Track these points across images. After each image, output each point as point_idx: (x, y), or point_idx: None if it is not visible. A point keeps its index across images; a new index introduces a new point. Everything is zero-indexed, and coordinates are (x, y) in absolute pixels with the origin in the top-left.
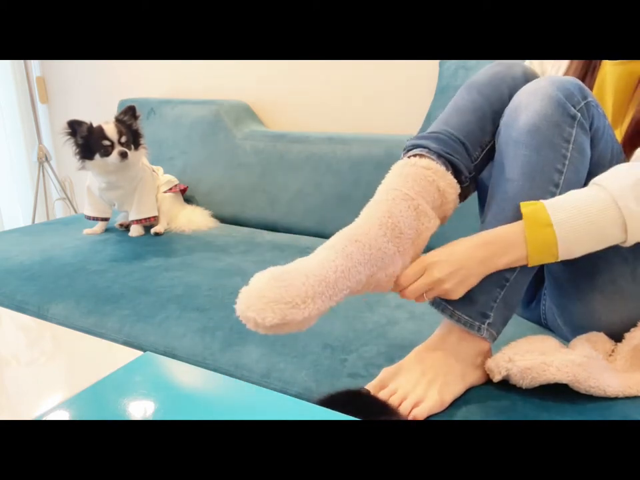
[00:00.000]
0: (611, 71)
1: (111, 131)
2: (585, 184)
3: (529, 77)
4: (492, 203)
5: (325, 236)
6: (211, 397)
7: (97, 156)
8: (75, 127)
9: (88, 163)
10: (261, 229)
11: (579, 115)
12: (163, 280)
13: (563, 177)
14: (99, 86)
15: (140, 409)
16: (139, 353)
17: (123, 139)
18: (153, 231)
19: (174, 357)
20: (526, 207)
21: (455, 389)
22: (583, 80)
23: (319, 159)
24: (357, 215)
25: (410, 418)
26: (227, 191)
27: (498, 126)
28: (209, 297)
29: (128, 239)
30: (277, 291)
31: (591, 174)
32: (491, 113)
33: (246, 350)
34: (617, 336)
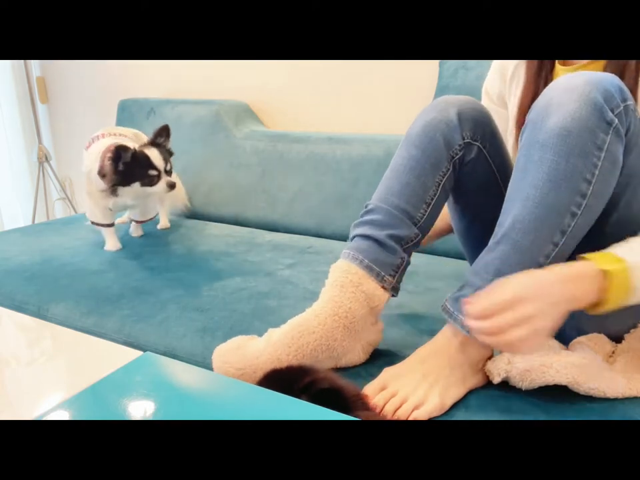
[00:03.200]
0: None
1: (157, 158)
2: (615, 193)
3: (464, 116)
4: (512, 207)
5: (325, 236)
6: (211, 397)
7: (137, 185)
8: (120, 153)
9: (121, 189)
10: (261, 229)
11: (616, 120)
12: (163, 280)
13: (591, 188)
14: (99, 86)
15: (140, 409)
16: (139, 353)
17: (168, 167)
18: (160, 226)
19: (174, 357)
20: (609, 264)
21: (456, 393)
22: (536, 82)
23: (319, 159)
24: (356, 215)
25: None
26: (226, 191)
27: (441, 175)
28: (209, 297)
29: (128, 239)
30: (235, 357)
31: (621, 184)
32: (430, 166)
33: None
34: (622, 340)
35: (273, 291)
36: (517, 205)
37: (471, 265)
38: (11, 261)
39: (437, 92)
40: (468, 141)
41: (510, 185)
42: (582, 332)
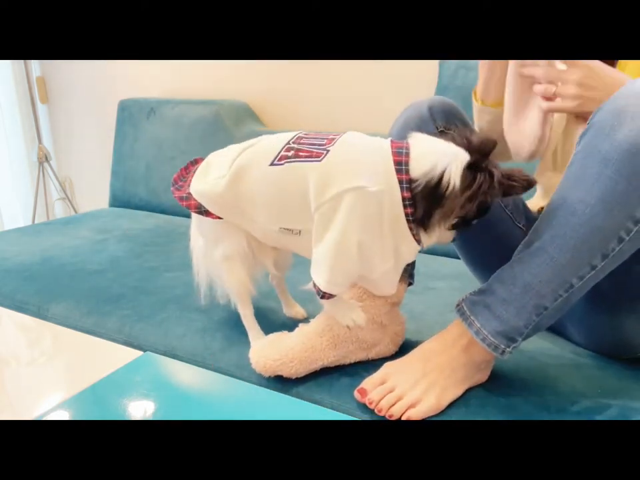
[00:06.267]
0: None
1: None
2: None
3: (435, 110)
4: (554, 218)
5: None
6: (211, 396)
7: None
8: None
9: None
10: None
11: None
12: (163, 280)
13: None
14: (99, 86)
15: (140, 409)
16: (139, 353)
17: None
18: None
19: (174, 357)
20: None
21: (454, 393)
22: None
23: None
24: None
25: (404, 418)
26: None
27: None
28: (209, 297)
29: (128, 238)
30: (271, 350)
31: None
32: None
33: (246, 350)
34: (631, 346)
35: (273, 292)
36: (560, 218)
37: (459, 254)
38: (11, 260)
39: (436, 92)
40: (442, 129)
41: (557, 189)
42: (598, 339)
